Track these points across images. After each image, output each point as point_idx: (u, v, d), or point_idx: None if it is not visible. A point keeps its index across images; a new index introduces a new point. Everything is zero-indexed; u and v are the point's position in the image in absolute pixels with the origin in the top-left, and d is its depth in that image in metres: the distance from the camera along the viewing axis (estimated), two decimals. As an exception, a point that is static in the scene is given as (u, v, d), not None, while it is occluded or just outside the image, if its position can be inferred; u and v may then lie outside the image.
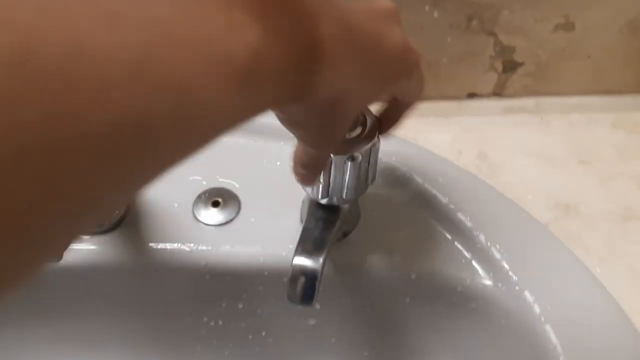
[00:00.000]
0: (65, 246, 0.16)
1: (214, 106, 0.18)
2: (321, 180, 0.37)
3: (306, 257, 0.37)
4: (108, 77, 0.15)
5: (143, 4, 0.16)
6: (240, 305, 0.45)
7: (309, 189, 0.38)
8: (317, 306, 0.45)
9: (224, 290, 0.44)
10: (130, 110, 0.15)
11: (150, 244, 0.43)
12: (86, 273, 0.43)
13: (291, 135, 0.38)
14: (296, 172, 0.34)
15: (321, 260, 0.37)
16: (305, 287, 0.36)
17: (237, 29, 0.18)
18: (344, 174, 0.36)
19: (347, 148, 0.35)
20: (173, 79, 0.16)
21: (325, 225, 0.39)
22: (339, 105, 0.26)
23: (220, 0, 0.18)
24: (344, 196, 0.38)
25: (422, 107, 0.54)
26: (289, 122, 0.28)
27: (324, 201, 0.38)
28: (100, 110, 0.15)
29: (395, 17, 0.28)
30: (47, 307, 0.46)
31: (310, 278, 0.36)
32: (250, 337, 0.47)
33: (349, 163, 0.36)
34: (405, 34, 0.28)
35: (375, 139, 0.36)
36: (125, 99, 0.15)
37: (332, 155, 0.35)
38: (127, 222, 0.43)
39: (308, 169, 0.33)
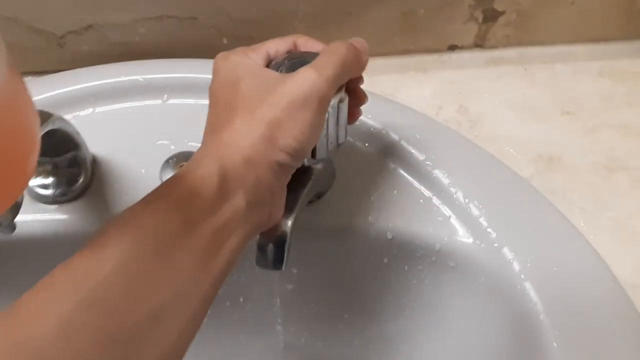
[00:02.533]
0: None
1: None
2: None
3: (274, 220, 0.35)
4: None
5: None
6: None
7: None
8: (294, 270, 0.44)
9: (197, 257, 0.43)
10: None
11: (118, 211, 0.41)
12: (55, 243, 0.42)
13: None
14: None
15: (289, 222, 0.35)
16: (275, 252, 0.35)
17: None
18: (311, 132, 0.35)
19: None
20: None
21: (294, 186, 0.38)
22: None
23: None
24: (314, 156, 0.36)
25: (401, 61, 0.52)
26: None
27: (292, 162, 0.37)
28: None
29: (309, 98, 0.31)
30: (18, 281, 0.44)
31: (278, 242, 0.35)
32: (227, 304, 0.46)
33: (316, 121, 0.34)
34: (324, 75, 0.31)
35: (342, 94, 0.35)
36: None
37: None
38: (93, 189, 0.42)
39: None
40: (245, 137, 0.30)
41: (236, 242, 0.29)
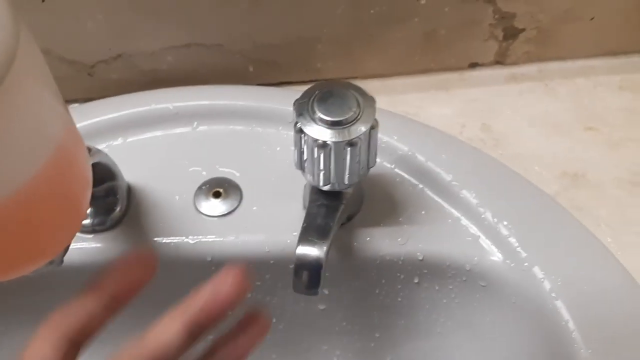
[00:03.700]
0: None
1: None
2: (321, 167, 0.36)
3: (310, 245, 0.36)
4: None
5: None
6: (248, 294, 0.45)
7: (309, 176, 0.38)
8: (326, 291, 0.45)
9: (231, 280, 0.44)
10: None
11: (154, 239, 0.42)
12: (92, 272, 0.43)
13: (289, 119, 0.38)
14: None
15: (325, 248, 0.36)
16: (310, 277, 0.36)
17: None
18: (343, 159, 0.36)
19: (344, 133, 0.34)
20: None
21: (328, 211, 0.38)
22: None
23: None
24: (346, 181, 0.37)
25: (422, 80, 0.53)
26: None
27: (325, 188, 0.38)
28: None
29: None
30: (56, 308, 0.45)
31: (314, 267, 0.36)
32: (260, 324, 0.47)
33: (348, 149, 0.35)
34: None
35: (374, 121, 0.35)
36: None
37: (331, 141, 0.34)
38: (128, 218, 0.43)
39: None
40: None
41: None
